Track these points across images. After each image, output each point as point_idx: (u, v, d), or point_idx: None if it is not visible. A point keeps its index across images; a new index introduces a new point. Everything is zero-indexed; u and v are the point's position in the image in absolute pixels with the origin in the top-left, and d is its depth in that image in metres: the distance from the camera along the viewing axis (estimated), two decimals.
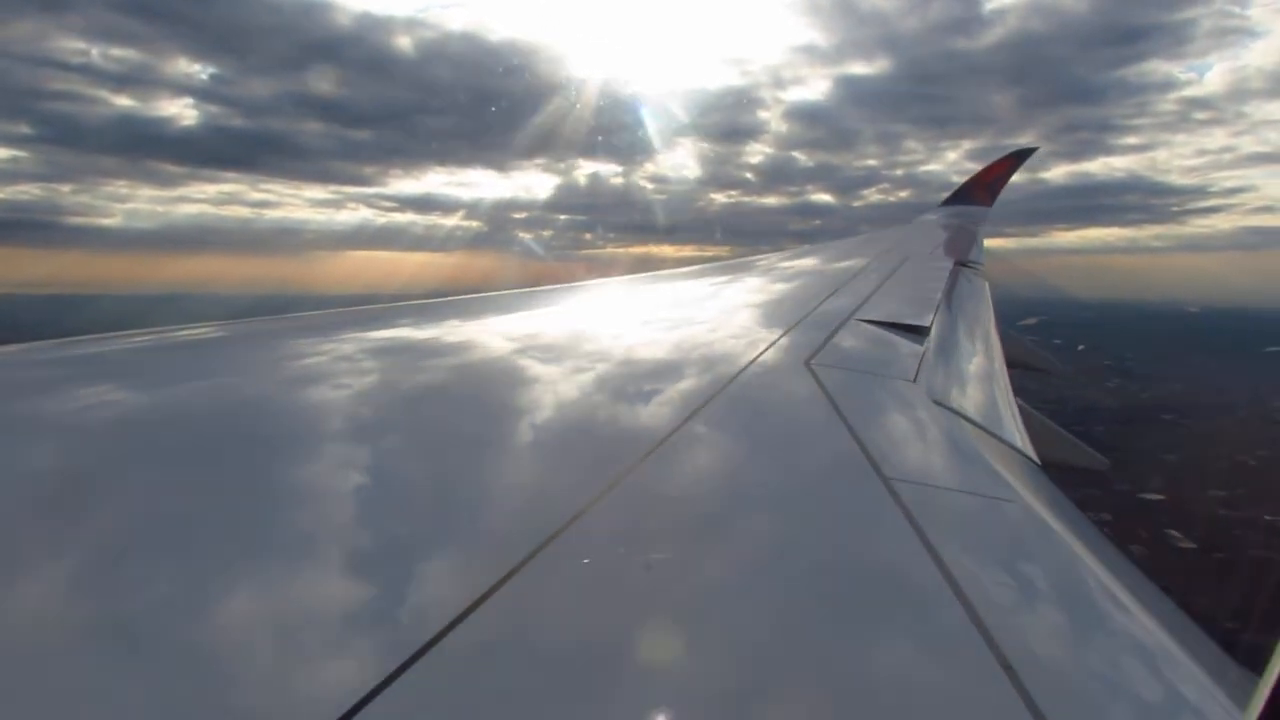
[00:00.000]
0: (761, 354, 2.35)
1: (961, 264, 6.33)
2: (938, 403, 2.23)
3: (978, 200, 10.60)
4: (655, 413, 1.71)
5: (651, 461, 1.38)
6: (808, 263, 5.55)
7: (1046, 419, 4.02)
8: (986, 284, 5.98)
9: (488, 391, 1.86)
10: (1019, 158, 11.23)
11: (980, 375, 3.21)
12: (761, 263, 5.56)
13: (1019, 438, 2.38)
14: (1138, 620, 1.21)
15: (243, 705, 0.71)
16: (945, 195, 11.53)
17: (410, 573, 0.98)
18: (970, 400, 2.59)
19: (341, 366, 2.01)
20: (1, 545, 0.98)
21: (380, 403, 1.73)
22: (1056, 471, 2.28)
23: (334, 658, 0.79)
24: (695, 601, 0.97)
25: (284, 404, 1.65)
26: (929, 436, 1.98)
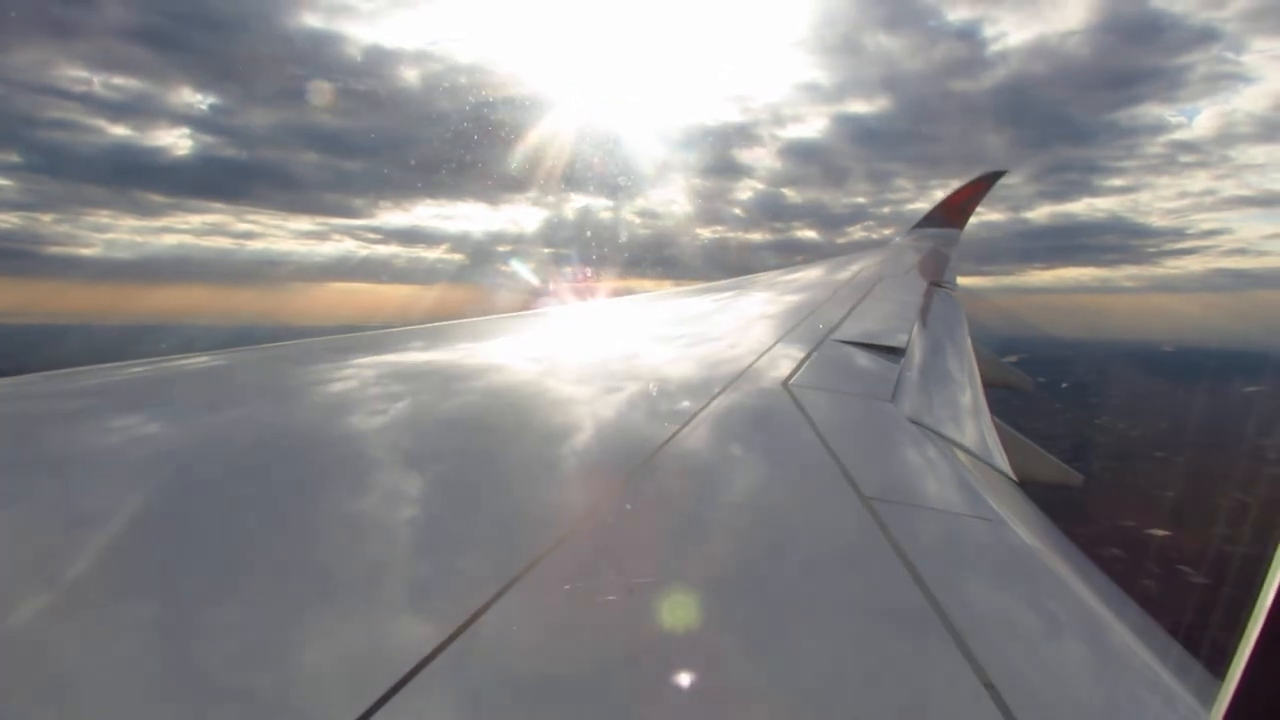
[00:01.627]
0: (739, 376, 2.35)
1: (935, 285, 6.42)
2: (915, 422, 2.24)
3: (949, 223, 10.74)
4: (631, 438, 1.70)
5: (629, 487, 1.37)
6: (783, 285, 5.58)
7: (1022, 436, 3.99)
8: (961, 304, 6.07)
9: (454, 421, 1.83)
10: (989, 180, 11.38)
11: (957, 394, 3.23)
12: (737, 286, 5.57)
13: (996, 455, 2.39)
14: (1116, 634, 1.22)
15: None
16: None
17: (392, 592, 0.98)
18: (947, 419, 2.60)
19: (344, 390, 2.05)
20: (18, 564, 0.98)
21: (377, 421, 1.75)
22: (1033, 488, 2.25)
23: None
24: (676, 624, 0.96)
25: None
26: (907, 456, 1.98)
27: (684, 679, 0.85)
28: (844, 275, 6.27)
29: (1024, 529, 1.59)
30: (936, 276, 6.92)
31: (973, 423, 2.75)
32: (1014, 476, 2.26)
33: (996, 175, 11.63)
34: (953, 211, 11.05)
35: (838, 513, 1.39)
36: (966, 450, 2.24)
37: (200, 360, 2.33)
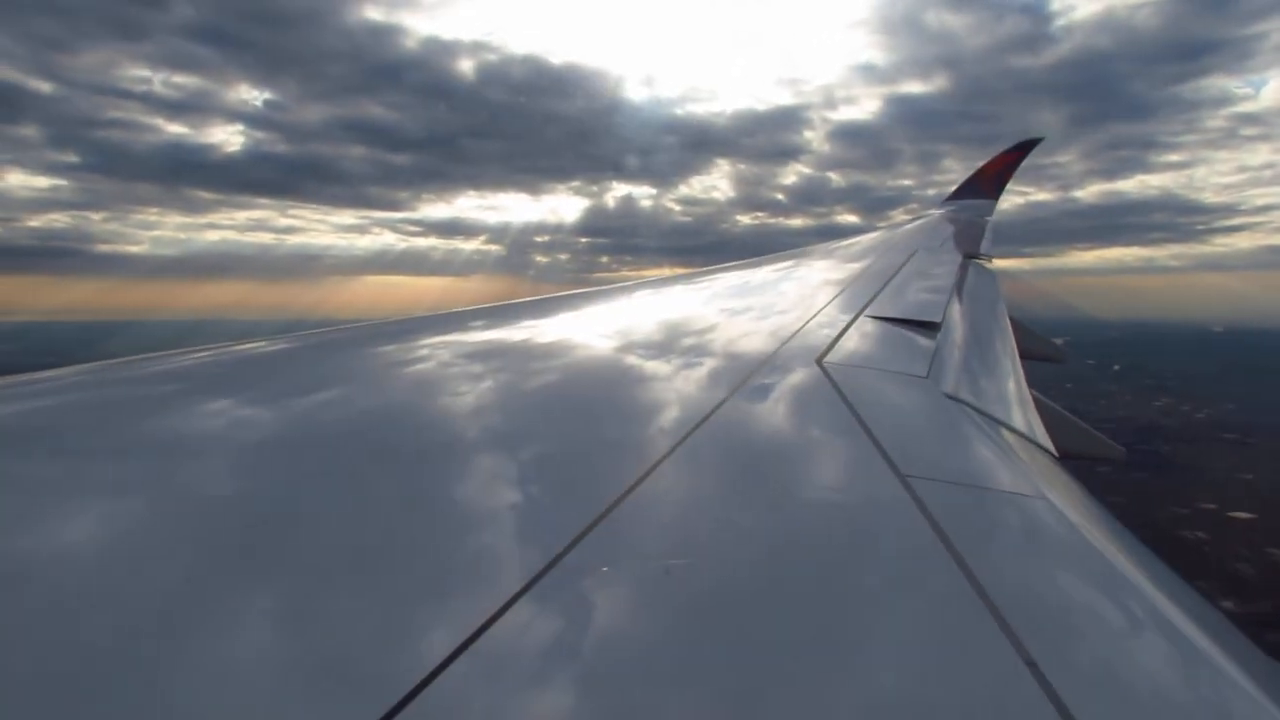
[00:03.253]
0: (772, 354, 2.33)
1: (970, 257, 6.26)
2: (951, 397, 2.20)
3: (984, 193, 10.44)
4: (663, 418, 1.68)
5: (664, 468, 1.36)
6: (816, 262, 5.49)
7: (1062, 409, 3.84)
8: (997, 277, 5.91)
9: (484, 402, 1.82)
10: (1024, 149, 11.01)
11: (994, 368, 3.17)
12: (768, 264, 5.48)
13: (1035, 429, 2.35)
14: (1162, 612, 1.19)
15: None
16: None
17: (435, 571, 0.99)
18: (984, 393, 2.55)
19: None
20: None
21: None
22: (1076, 462, 2.17)
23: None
24: (715, 603, 0.97)
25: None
26: (944, 432, 1.96)
27: (718, 659, 0.85)
28: (877, 249, 6.14)
29: (1065, 504, 1.56)
30: (971, 248, 6.73)
31: (1011, 396, 2.70)
32: (1054, 451, 2.20)
33: (1032, 143, 11.23)
34: (987, 182, 10.74)
35: (875, 491, 1.37)
36: (1005, 425, 2.19)
37: (264, 345, 2.31)
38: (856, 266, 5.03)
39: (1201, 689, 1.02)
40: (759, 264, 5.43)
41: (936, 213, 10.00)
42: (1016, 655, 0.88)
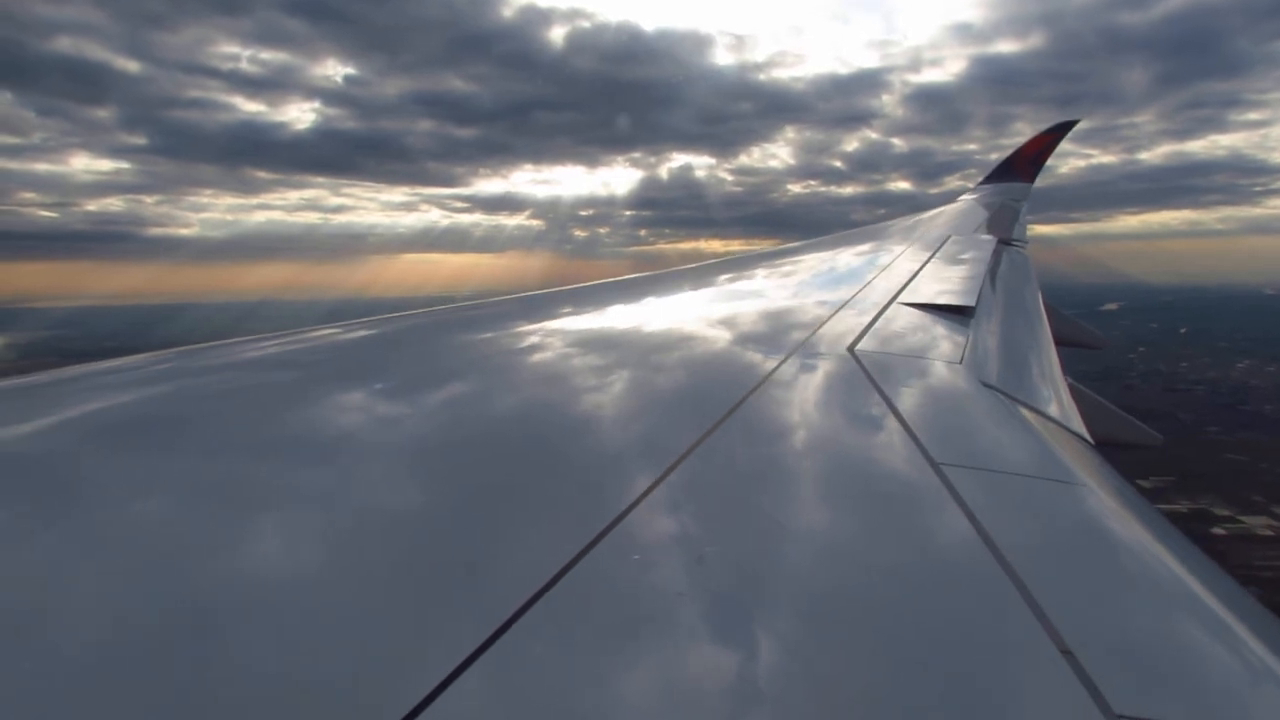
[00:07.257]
0: (803, 342, 2.34)
1: (1005, 242, 6.19)
2: (985, 384, 2.21)
3: (1019, 176, 10.41)
4: (692, 407, 1.69)
5: (692, 459, 1.36)
6: (848, 248, 5.45)
7: (1097, 396, 3.82)
8: (1031, 261, 5.85)
9: (517, 390, 1.85)
10: (1061, 130, 11.01)
11: (1028, 354, 3.14)
12: (800, 250, 5.45)
13: (1070, 416, 2.33)
14: (1198, 601, 1.19)
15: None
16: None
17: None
18: (1018, 380, 2.54)
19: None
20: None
21: (432, 387, 1.81)
22: (1110, 449, 2.19)
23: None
24: (747, 594, 0.98)
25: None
26: (977, 419, 1.96)
27: (751, 649, 0.87)
28: (910, 236, 6.08)
29: (1101, 492, 1.56)
30: (1005, 233, 6.68)
31: (1046, 383, 2.69)
32: (1090, 438, 2.19)
33: (1069, 125, 11.18)
34: (1023, 165, 10.65)
35: (908, 479, 1.38)
36: (1040, 412, 2.19)
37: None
38: (890, 252, 4.97)
39: (1237, 677, 1.02)
40: (792, 250, 5.39)
41: (971, 196, 9.86)
42: (1052, 644, 0.88)
